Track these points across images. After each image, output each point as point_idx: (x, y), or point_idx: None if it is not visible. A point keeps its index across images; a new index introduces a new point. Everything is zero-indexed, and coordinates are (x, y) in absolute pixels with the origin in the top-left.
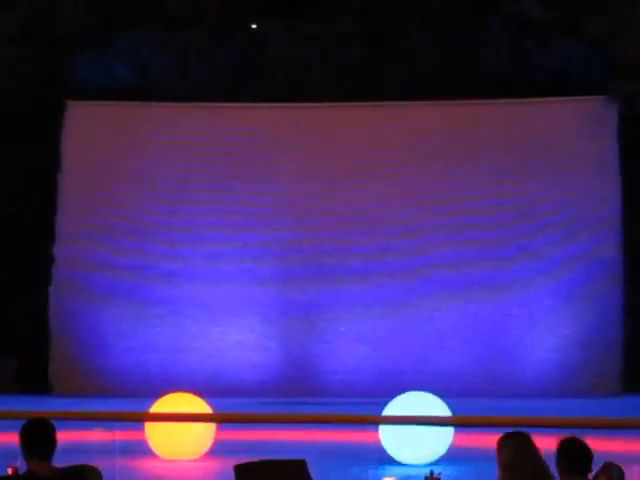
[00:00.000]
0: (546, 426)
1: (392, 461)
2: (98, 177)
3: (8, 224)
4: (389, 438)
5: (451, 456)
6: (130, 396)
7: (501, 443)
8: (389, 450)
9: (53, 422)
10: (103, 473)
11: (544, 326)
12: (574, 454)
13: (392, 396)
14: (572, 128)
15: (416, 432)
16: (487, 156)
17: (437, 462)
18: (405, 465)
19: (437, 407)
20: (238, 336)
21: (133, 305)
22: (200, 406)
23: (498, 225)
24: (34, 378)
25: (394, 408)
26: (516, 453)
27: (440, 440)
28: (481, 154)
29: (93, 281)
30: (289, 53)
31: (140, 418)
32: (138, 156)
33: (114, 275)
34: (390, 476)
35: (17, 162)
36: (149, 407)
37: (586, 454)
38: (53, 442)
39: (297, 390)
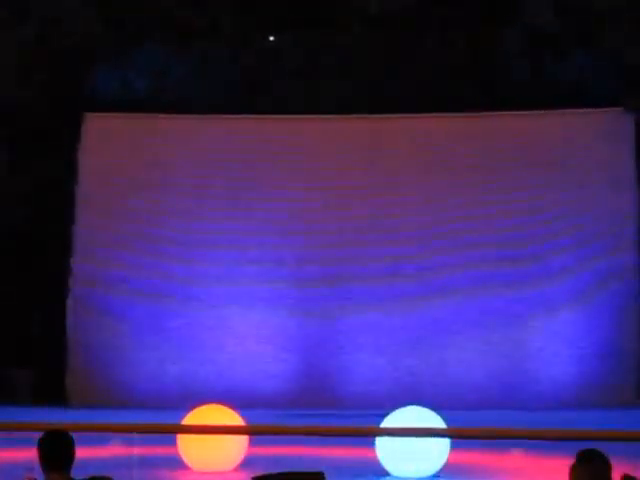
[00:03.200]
0: (544, 438)
1: (387, 475)
2: (114, 189)
3: (25, 236)
4: (385, 452)
5: (448, 471)
6: (148, 408)
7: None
8: (385, 464)
9: (71, 434)
10: None
11: (561, 339)
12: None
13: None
14: (588, 140)
15: (412, 446)
16: (503, 169)
17: (433, 476)
18: (400, 479)
19: (433, 421)
20: (255, 347)
21: (150, 317)
22: (232, 418)
23: (515, 238)
24: (51, 390)
25: (390, 422)
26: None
27: (436, 454)
28: (497, 166)
29: (110, 293)
30: (304, 65)
31: (174, 430)
32: (154, 168)
33: (131, 287)
34: None
35: (34, 175)
36: (168, 419)
37: (605, 464)
38: (72, 454)
39: (314, 402)
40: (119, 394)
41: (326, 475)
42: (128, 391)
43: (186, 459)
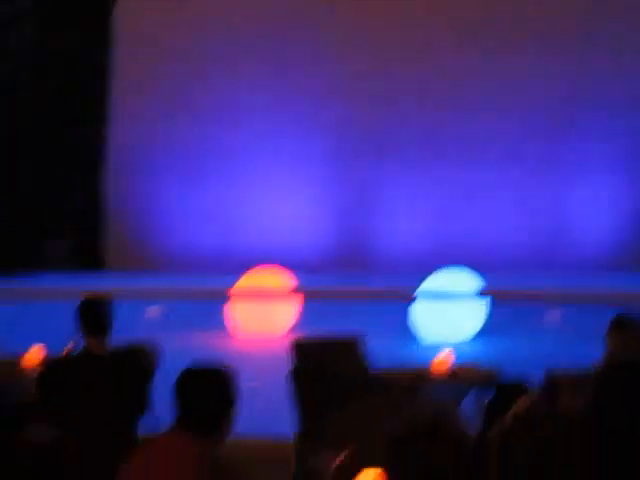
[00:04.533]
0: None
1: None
2: (149, 54)
3: (61, 100)
4: (420, 317)
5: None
6: (186, 270)
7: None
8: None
9: (109, 300)
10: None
11: (601, 203)
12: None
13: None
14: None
15: (447, 311)
16: (540, 29)
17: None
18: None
19: (470, 282)
20: (293, 212)
21: (189, 180)
22: (285, 281)
23: (552, 100)
24: (88, 255)
25: (430, 284)
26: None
27: (472, 318)
28: (533, 27)
29: (148, 157)
30: None
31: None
32: (190, 32)
33: (168, 153)
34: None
35: (69, 38)
36: (209, 282)
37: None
38: (110, 320)
39: (353, 264)
40: (157, 257)
41: (364, 339)
42: (166, 254)
43: (236, 324)
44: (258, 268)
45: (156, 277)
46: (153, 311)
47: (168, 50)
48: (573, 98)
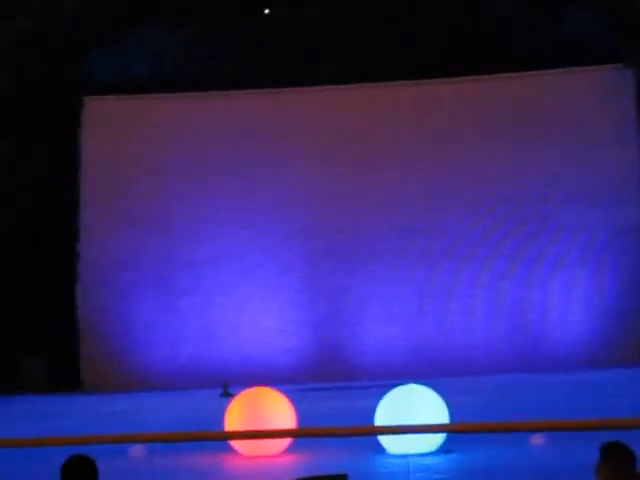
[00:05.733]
0: (555, 429)
1: (384, 451)
2: (117, 172)
3: (31, 224)
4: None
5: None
6: (163, 389)
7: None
8: (382, 442)
9: (93, 460)
10: None
11: (570, 298)
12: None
13: (423, 376)
14: (588, 97)
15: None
16: (504, 130)
17: (432, 453)
18: (396, 456)
19: (433, 402)
20: (267, 322)
21: (160, 298)
22: (281, 402)
23: (519, 198)
24: (65, 376)
25: (388, 403)
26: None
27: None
28: (498, 128)
29: (119, 276)
30: (297, 38)
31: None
32: (155, 148)
33: (139, 269)
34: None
35: (37, 161)
36: (185, 399)
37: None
38: (95, 478)
39: (328, 375)
40: (133, 377)
41: (349, 477)
42: (142, 373)
43: (234, 444)
44: (254, 388)
45: (135, 397)
46: (138, 451)
47: (134, 167)
48: (541, 196)
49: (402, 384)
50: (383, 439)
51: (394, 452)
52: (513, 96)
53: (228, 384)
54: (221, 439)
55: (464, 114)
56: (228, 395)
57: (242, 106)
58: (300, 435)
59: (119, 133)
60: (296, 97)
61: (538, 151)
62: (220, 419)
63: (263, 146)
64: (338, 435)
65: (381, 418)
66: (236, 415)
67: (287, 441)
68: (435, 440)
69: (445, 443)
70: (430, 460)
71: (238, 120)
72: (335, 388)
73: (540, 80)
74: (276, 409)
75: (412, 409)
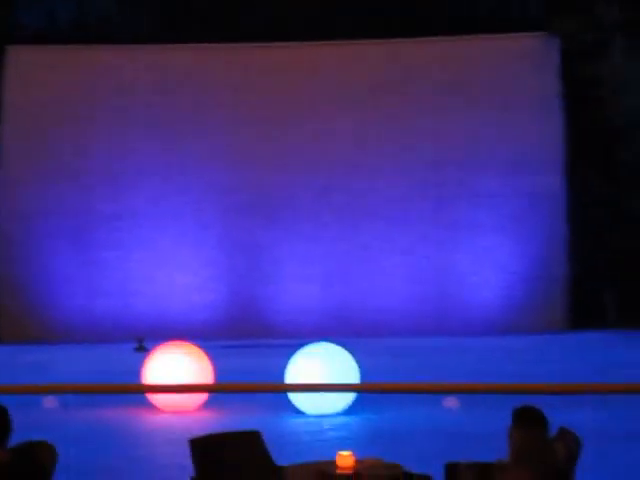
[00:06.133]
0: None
1: (296, 411)
2: (38, 122)
3: None
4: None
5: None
6: (79, 342)
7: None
8: (294, 401)
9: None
10: None
11: (489, 263)
12: (531, 421)
13: (339, 335)
14: (513, 65)
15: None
16: (426, 94)
17: (341, 413)
18: (308, 416)
19: (343, 359)
20: (184, 278)
21: (78, 251)
22: (199, 356)
23: (439, 161)
24: None
25: (299, 361)
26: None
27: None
28: (420, 92)
29: (37, 228)
30: None
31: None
32: (77, 101)
33: (58, 221)
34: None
35: None
36: (100, 352)
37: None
38: (8, 426)
39: (244, 332)
40: (50, 329)
41: (262, 433)
42: (59, 326)
43: (151, 398)
44: (169, 343)
45: (51, 350)
46: (51, 402)
47: (56, 118)
48: (460, 161)
49: (315, 343)
50: (294, 398)
51: (306, 411)
52: (435, 59)
53: (143, 339)
54: (138, 392)
55: (386, 75)
56: (143, 350)
57: (164, 60)
58: (217, 391)
59: (42, 83)
60: (218, 53)
61: (459, 116)
62: (135, 373)
63: (184, 101)
64: (253, 392)
65: (292, 376)
66: (154, 369)
67: (203, 397)
68: (346, 400)
69: (356, 403)
70: (342, 420)
71: (159, 74)
72: (251, 346)
73: (464, 45)
74: (194, 364)
75: (322, 368)
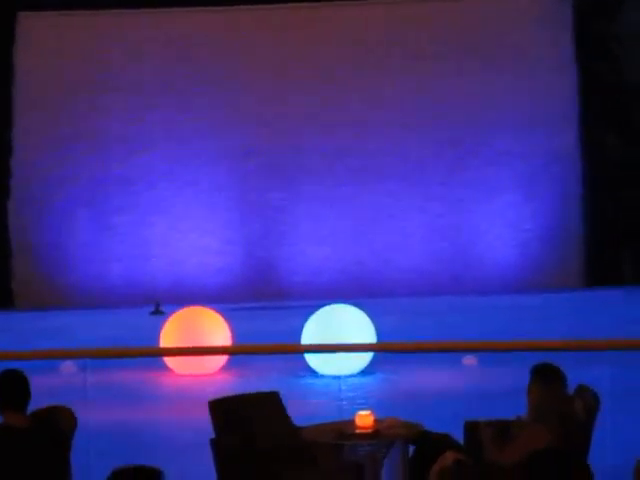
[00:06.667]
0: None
1: (313, 372)
2: (51, 89)
3: None
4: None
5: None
6: (95, 306)
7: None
8: (311, 362)
9: (23, 374)
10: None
11: (504, 222)
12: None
13: (354, 296)
14: (528, 24)
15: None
16: (439, 54)
17: (358, 374)
18: (326, 377)
19: (360, 320)
20: (200, 242)
21: (93, 216)
22: (216, 320)
23: (453, 121)
24: None
25: (315, 322)
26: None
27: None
28: (439, 52)
29: (52, 194)
30: None
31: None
32: (90, 66)
33: (73, 187)
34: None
35: None
36: (117, 317)
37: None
38: (27, 392)
39: (260, 294)
40: (65, 294)
41: (280, 394)
42: (73, 291)
43: (169, 362)
44: (189, 307)
45: (67, 315)
46: (69, 367)
47: (69, 85)
48: (476, 120)
49: (331, 304)
50: (311, 360)
51: (324, 372)
52: (450, 20)
53: (160, 302)
54: (156, 355)
55: (400, 36)
56: (160, 313)
57: (179, 24)
58: (234, 352)
59: (54, 50)
60: (233, 16)
61: (474, 75)
62: (151, 337)
63: (199, 65)
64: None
65: (308, 337)
66: (172, 333)
67: (222, 360)
68: (363, 361)
69: (373, 364)
70: (359, 380)
71: (174, 38)
72: (267, 308)
73: (478, 4)
74: (212, 327)
75: (338, 328)
